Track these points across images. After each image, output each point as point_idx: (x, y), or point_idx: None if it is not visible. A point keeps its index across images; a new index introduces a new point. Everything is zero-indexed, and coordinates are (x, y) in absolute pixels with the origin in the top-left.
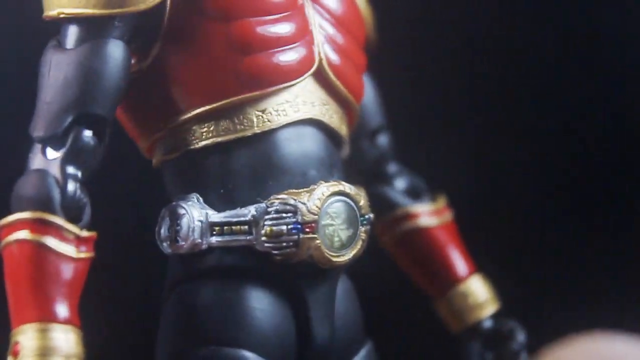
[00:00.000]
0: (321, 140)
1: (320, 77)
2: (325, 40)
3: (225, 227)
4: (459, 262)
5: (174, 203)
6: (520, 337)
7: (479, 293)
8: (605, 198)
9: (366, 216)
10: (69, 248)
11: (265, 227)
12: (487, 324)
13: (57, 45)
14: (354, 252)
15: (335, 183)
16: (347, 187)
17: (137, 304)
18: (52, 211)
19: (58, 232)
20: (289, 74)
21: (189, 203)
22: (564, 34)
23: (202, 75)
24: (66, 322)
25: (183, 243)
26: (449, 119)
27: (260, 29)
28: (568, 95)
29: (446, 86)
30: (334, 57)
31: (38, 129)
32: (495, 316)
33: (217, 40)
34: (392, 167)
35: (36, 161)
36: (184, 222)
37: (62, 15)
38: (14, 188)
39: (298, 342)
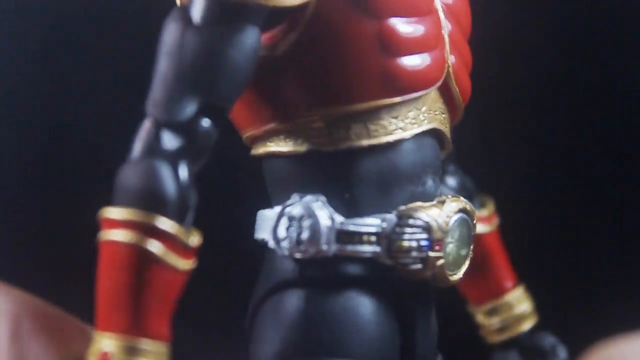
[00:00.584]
0: (437, 148)
1: (443, 84)
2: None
3: (355, 237)
4: (506, 273)
5: (297, 202)
6: (562, 354)
7: (522, 305)
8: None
9: (474, 234)
10: (176, 259)
11: (395, 240)
12: (527, 336)
13: (187, 18)
14: (464, 270)
15: (458, 199)
16: (468, 205)
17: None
18: (165, 213)
19: (167, 240)
20: (426, 82)
21: (317, 204)
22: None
23: (343, 71)
24: (159, 337)
25: (308, 248)
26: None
27: (406, 31)
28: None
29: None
30: (452, 58)
31: (160, 109)
32: (534, 330)
33: (365, 37)
34: (449, 165)
35: (147, 145)
36: (311, 225)
37: None
38: (119, 173)
39: (401, 355)
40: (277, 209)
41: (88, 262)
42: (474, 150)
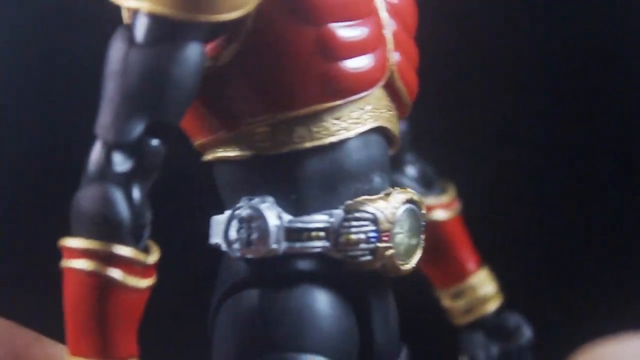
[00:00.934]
0: (383, 145)
1: (388, 82)
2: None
3: (303, 234)
4: (468, 256)
5: (246, 204)
6: (527, 332)
7: (486, 287)
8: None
9: (424, 223)
10: (136, 280)
11: (343, 234)
12: (492, 317)
13: (130, 37)
14: (416, 259)
15: (405, 190)
16: (415, 195)
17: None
18: (121, 240)
19: (126, 265)
20: (368, 83)
21: (264, 205)
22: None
23: (285, 79)
24: (128, 356)
25: (258, 248)
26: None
27: (346, 35)
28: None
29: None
30: (397, 57)
31: (108, 132)
32: (499, 310)
33: (305, 44)
34: (407, 156)
35: (98, 168)
36: (260, 225)
37: (142, 10)
38: (74, 199)
39: (360, 347)
40: (228, 212)
41: None
42: (434, 136)
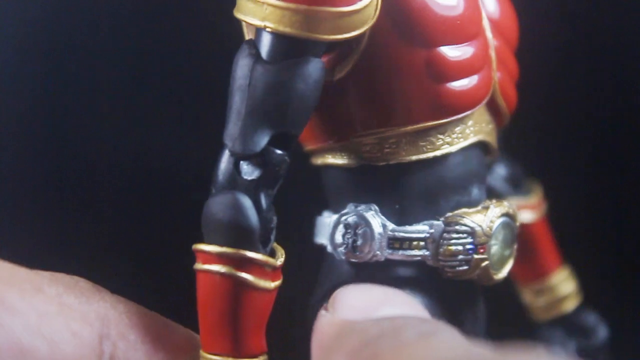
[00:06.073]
0: (482, 158)
1: (490, 99)
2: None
3: (405, 242)
4: (551, 255)
5: (352, 211)
6: (603, 332)
7: (566, 286)
8: None
9: (516, 234)
10: (267, 282)
11: (443, 245)
12: (571, 315)
13: (255, 54)
14: (508, 268)
15: (501, 204)
16: (511, 209)
17: None
18: (253, 247)
19: (258, 268)
20: (473, 102)
21: (370, 213)
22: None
23: (395, 97)
24: (259, 352)
25: (363, 254)
26: None
27: (455, 57)
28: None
29: None
30: (499, 74)
31: (236, 143)
32: (578, 309)
33: (416, 66)
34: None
35: (228, 177)
36: (365, 232)
37: (267, 29)
38: (206, 206)
39: None
40: (334, 217)
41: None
42: (525, 136)
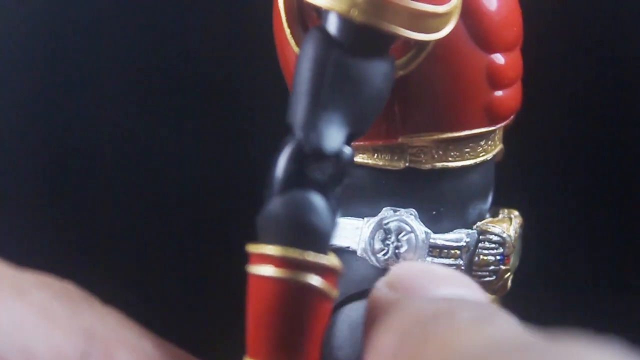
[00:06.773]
0: (494, 167)
1: None
2: None
3: (443, 250)
4: None
5: (392, 215)
6: None
7: None
8: None
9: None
10: (331, 289)
11: (478, 255)
12: None
13: (333, 39)
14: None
15: (518, 215)
16: (520, 218)
17: None
18: (320, 248)
19: (325, 273)
20: (513, 110)
21: (412, 219)
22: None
23: (454, 102)
24: None
25: (405, 260)
26: None
27: (508, 65)
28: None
29: None
30: None
31: (313, 138)
32: None
33: (478, 70)
34: None
35: (295, 175)
36: (410, 239)
37: (355, 19)
38: (268, 206)
39: None
40: (372, 220)
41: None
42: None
